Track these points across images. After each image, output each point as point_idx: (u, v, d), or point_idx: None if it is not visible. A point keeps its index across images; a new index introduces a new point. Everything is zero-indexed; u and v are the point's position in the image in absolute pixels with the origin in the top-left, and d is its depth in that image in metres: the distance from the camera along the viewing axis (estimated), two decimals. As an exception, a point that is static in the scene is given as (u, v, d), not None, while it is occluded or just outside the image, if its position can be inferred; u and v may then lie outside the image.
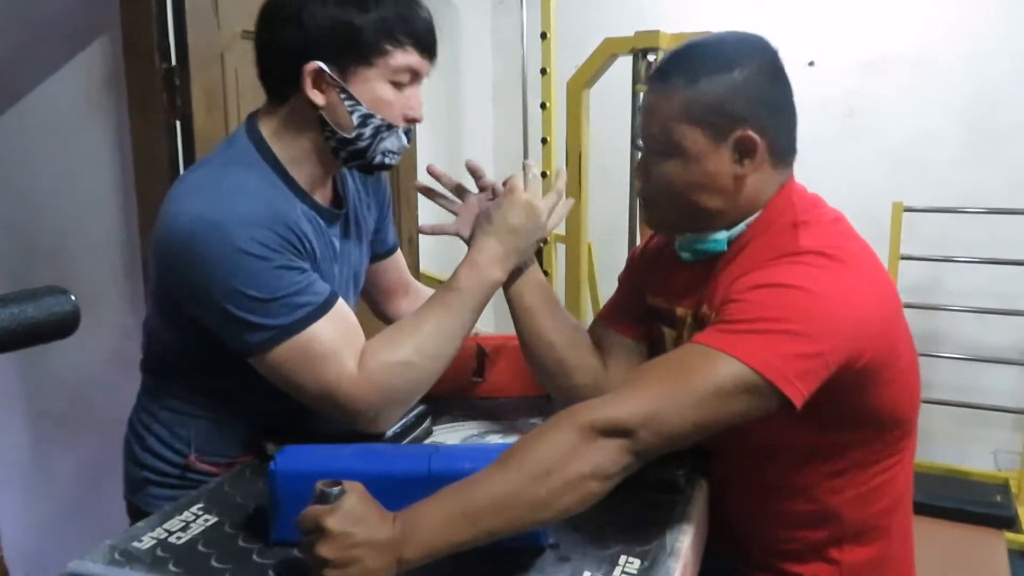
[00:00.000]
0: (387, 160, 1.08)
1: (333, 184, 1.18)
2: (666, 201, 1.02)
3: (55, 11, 1.89)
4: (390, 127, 1.05)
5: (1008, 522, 2.54)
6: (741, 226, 1.00)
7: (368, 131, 1.04)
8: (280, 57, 1.02)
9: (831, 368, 0.85)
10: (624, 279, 1.24)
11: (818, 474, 0.99)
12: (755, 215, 1.00)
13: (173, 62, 1.69)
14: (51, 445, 2.16)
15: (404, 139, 1.08)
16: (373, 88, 1.02)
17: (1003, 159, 2.98)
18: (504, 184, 1.13)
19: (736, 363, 0.82)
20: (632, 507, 0.94)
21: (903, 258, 2.83)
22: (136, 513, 1.17)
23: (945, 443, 2.95)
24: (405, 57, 1.03)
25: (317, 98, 1.01)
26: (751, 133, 0.95)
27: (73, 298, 0.72)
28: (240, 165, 1.03)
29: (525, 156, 3.34)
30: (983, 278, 2.94)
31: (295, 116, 1.05)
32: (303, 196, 1.07)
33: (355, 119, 1.02)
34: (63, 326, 0.72)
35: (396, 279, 1.42)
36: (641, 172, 1.04)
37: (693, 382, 0.83)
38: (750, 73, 0.96)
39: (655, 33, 2.53)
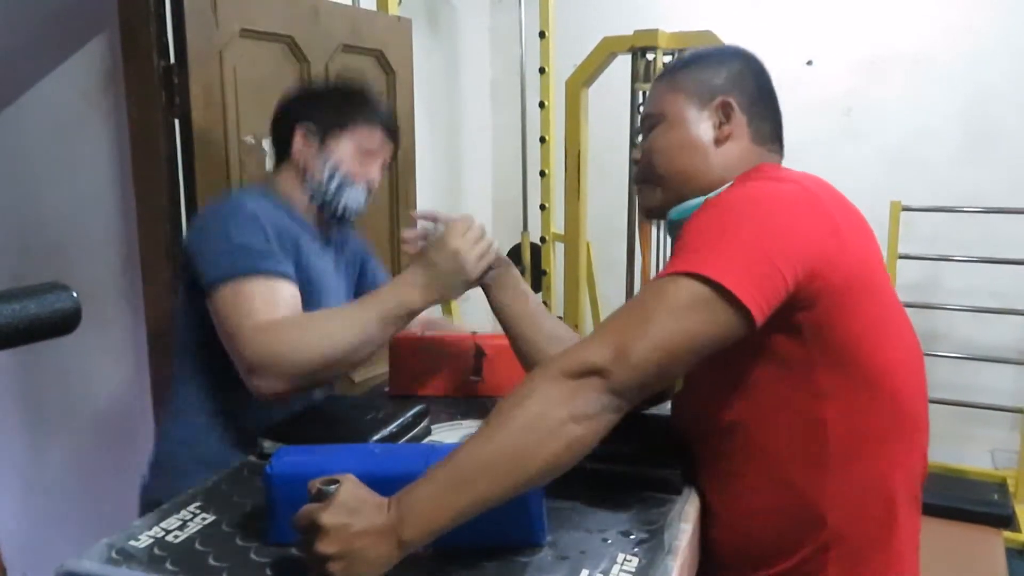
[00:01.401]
0: (347, 214, 1.33)
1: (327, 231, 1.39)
2: (653, 169, 1.06)
3: (54, 9, 1.89)
4: (352, 183, 1.30)
5: (1006, 521, 2.54)
6: (716, 192, 1.00)
7: (335, 182, 1.30)
8: (284, 126, 1.33)
9: (786, 277, 0.83)
10: None
11: (803, 459, 0.92)
12: (730, 183, 1.01)
13: (171, 60, 1.69)
14: (49, 442, 2.15)
15: (364, 197, 1.33)
16: (344, 148, 1.30)
17: (1001, 158, 2.99)
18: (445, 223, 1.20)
19: (684, 278, 0.83)
20: (630, 506, 0.94)
21: (901, 257, 2.83)
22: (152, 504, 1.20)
23: (942, 442, 2.95)
24: (371, 132, 1.32)
25: (299, 149, 1.30)
26: (731, 100, 1.02)
27: (75, 295, 0.72)
28: (249, 195, 1.28)
29: (523, 155, 3.34)
30: (981, 277, 2.95)
31: (289, 169, 1.33)
32: (299, 222, 1.30)
33: (326, 170, 1.29)
34: (65, 322, 0.72)
35: None
36: (637, 153, 1.10)
37: (650, 307, 0.83)
38: (737, 66, 1.06)
39: (654, 32, 2.53)
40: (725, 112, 1.03)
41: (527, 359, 1.17)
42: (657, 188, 1.07)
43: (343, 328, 1.12)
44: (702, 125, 1.03)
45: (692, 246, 0.86)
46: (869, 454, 0.93)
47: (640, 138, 1.12)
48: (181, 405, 1.28)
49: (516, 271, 1.23)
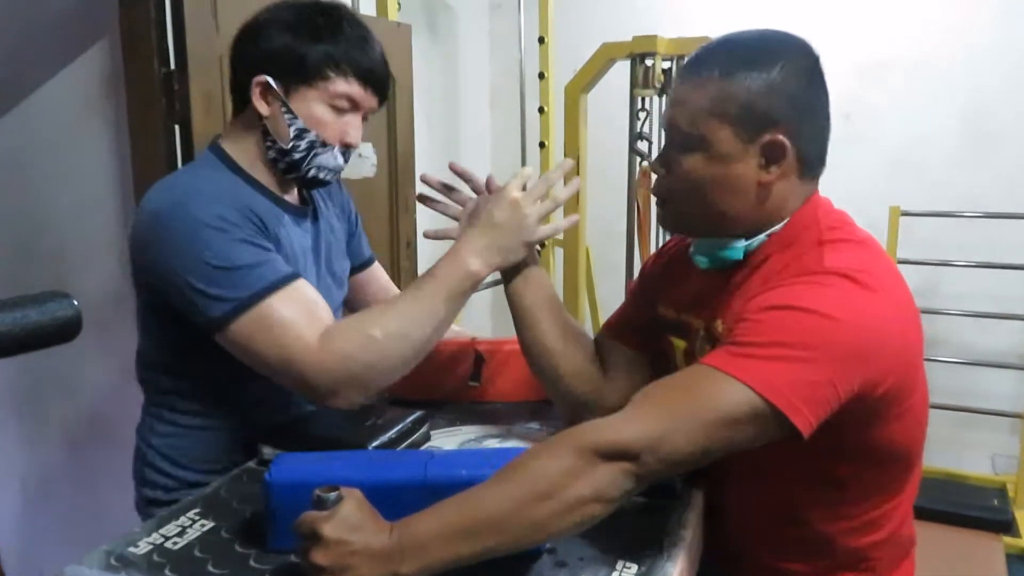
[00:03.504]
0: (321, 175, 1.14)
1: (298, 190, 1.23)
2: (685, 198, 0.96)
3: (55, 15, 1.89)
4: (324, 145, 1.11)
5: (1005, 526, 2.54)
6: (761, 237, 0.94)
7: (303, 144, 1.11)
8: (240, 71, 1.13)
9: (842, 398, 0.82)
10: (634, 290, 1.20)
11: (816, 502, 0.97)
12: (777, 227, 0.94)
13: (172, 66, 1.69)
14: (49, 448, 2.15)
15: (340, 159, 1.14)
16: (311, 107, 1.10)
17: (1000, 163, 2.99)
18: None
19: (745, 389, 0.79)
20: (629, 513, 0.93)
21: (900, 262, 2.83)
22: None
23: (942, 447, 2.95)
24: (346, 86, 1.10)
25: (262, 108, 1.10)
26: (782, 138, 0.89)
27: (75, 303, 0.72)
28: (199, 167, 1.15)
29: (523, 160, 3.35)
30: (980, 282, 2.95)
31: (247, 125, 1.14)
32: (266, 193, 1.14)
33: (292, 132, 1.10)
34: (65, 330, 0.72)
35: (378, 291, 1.43)
36: (660, 165, 0.98)
37: (700, 407, 0.80)
38: (789, 72, 0.90)
39: (653, 38, 2.53)
40: (774, 152, 0.90)
41: (535, 356, 1.13)
42: (685, 217, 0.98)
43: (414, 323, 1.03)
44: (746, 165, 0.91)
45: (761, 351, 0.82)
46: (881, 500, 0.98)
47: (662, 142, 1.00)
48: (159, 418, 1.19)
49: (539, 265, 1.16)
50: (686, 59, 1.08)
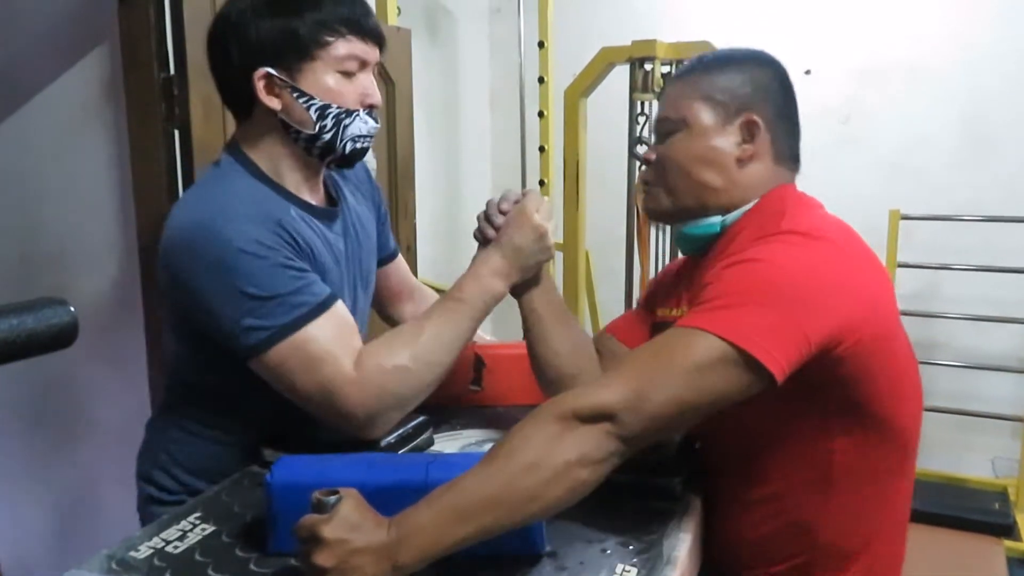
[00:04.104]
0: (359, 145, 1.10)
1: (325, 187, 1.21)
2: (667, 177, 1.04)
3: (54, 20, 1.90)
4: (349, 113, 1.07)
5: (1006, 530, 2.54)
6: (736, 213, 1.01)
7: (329, 122, 1.06)
8: (232, 75, 1.07)
9: (811, 342, 0.84)
10: (640, 301, 1.26)
11: (804, 481, 0.96)
12: (750, 204, 1.01)
13: (171, 71, 1.69)
14: (48, 453, 2.15)
15: (371, 122, 1.10)
16: (322, 80, 1.05)
17: (999, 166, 2.99)
18: (515, 202, 1.13)
19: (711, 337, 0.82)
20: (629, 516, 0.94)
21: (900, 266, 2.83)
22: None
23: (943, 451, 2.95)
24: (347, 46, 1.05)
25: (273, 103, 1.05)
26: (756, 118, 1.00)
27: (72, 309, 0.72)
28: (228, 178, 1.08)
29: (523, 164, 3.35)
30: (980, 285, 2.95)
31: (261, 126, 1.09)
32: (293, 199, 1.10)
33: (313, 114, 1.05)
34: (62, 337, 0.72)
35: (399, 283, 1.44)
36: (649, 153, 1.08)
37: (671, 359, 0.83)
38: (765, 73, 1.04)
39: (652, 42, 2.54)
40: (750, 130, 1.01)
41: (543, 366, 1.14)
42: (669, 196, 1.05)
43: (444, 348, 1.04)
44: (725, 140, 1.01)
45: (723, 302, 0.86)
46: (870, 486, 0.97)
47: (654, 140, 1.09)
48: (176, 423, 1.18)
49: (549, 275, 1.19)
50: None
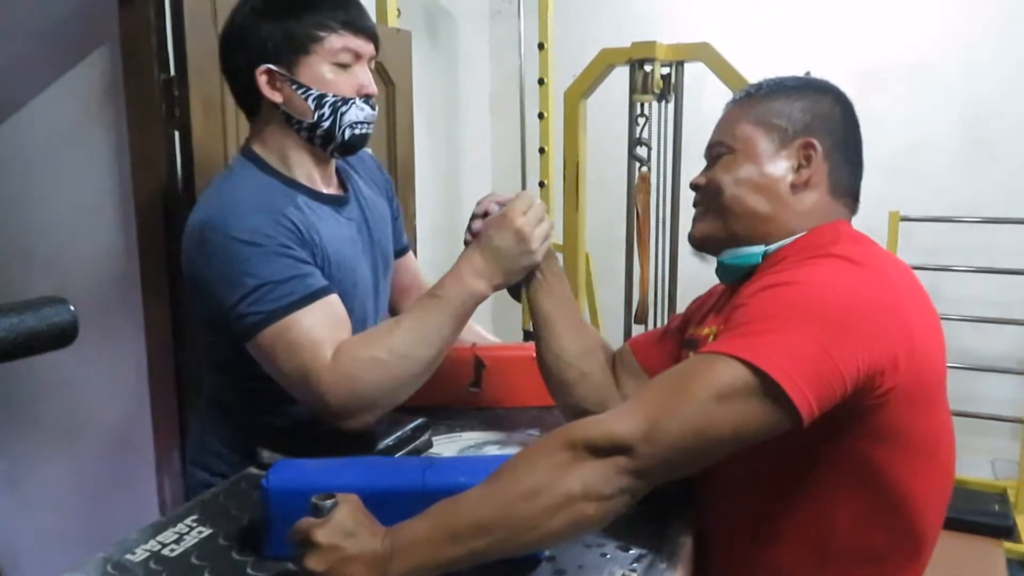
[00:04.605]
0: (357, 131, 1.17)
1: (339, 177, 1.27)
2: (717, 203, 0.97)
3: (54, 21, 1.90)
4: (346, 101, 1.14)
5: (1006, 531, 2.53)
6: (783, 242, 0.94)
7: (327, 110, 1.13)
8: (238, 74, 1.16)
9: (844, 376, 0.76)
10: (670, 323, 1.19)
11: (800, 548, 0.89)
12: (799, 234, 0.94)
13: (172, 72, 1.69)
14: (47, 455, 2.15)
15: (367, 108, 1.17)
16: (318, 72, 1.13)
17: (999, 168, 2.99)
18: (501, 204, 1.12)
19: (735, 362, 0.75)
20: (628, 519, 0.93)
21: (900, 267, 2.83)
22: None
23: (943, 452, 2.95)
24: (340, 40, 1.13)
25: (275, 96, 1.14)
26: (815, 142, 0.95)
27: (72, 308, 0.72)
28: (236, 176, 1.16)
29: (523, 166, 3.35)
30: (980, 287, 2.94)
31: (268, 121, 1.17)
32: (303, 189, 1.17)
33: (311, 103, 1.13)
34: (62, 336, 0.72)
35: (410, 279, 1.46)
36: (700, 176, 1.02)
37: (691, 387, 0.76)
38: (827, 103, 0.98)
39: (651, 44, 2.54)
40: (807, 155, 0.95)
41: (549, 368, 1.11)
42: (717, 221, 0.98)
43: (421, 343, 1.05)
44: (780, 165, 0.95)
45: (752, 328, 0.79)
46: (870, 565, 0.90)
47: (706, 164, 1.03)
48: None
49: (559, 266, 1.15)
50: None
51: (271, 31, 1.11)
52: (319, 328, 1.03)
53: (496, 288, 1.11)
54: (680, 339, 1.12)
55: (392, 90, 2.28)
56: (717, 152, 1.00)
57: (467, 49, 3.54)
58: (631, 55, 2.57)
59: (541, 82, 3.17)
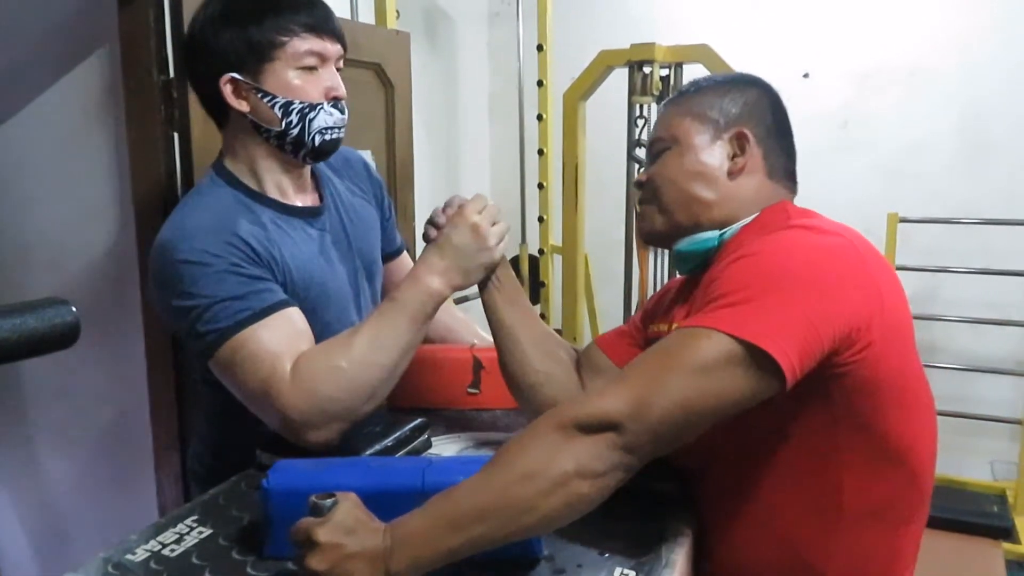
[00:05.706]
0: (327, 137, 1.14)
1: (316, 185, 1.25)
2: (660, 195, 1.02)
3: (53, 23, 1.90)
4: (313, 107, 1.12)
5: (1005, 532, 2.53)
6: (735, 227, 0.98)
7: (294, 117, 1.11)
8: (203, 84, 1.14)
9: (822, 335, 0.79)
10: (634, 317, 1.21)
11: (809, 507, 0.90)
12: (748, 218, 0.99)
13: (171, 74, 1.69)
14: (47, 456, 2.15)
15: (336, 113, 1.14)
16: (283, 78, 1.10)
17: (997, 170, 3.00)
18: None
19: (716, 334, 0.78)
20: (627, 518, 0.93)
21: (898, 269, 2.83)
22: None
23: (941, 453, 2.90)
24: (304, 43, 1.10)
25: (241, 106, 1.12)
26: (746, 131, 1.00)
27: (74, 309, 0.73)
28: (202, 193, 1.14)
29: (522, 168, 3.36)
30: (978, 288, 2.95)
31: (236, 131, 1.15)
32: (272, 204, 1.15)
33: (278, 111, 1.11)
34: (63, 337, 0.72)
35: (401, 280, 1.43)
36: (641, 175, 1.07)
37: (675, 362, 0.78)
38: (756, 94, 1.03)
39: (650, 45, 2.54)
40: (740, 143, 1.00)
41: (513, 373, 1.12)
42: (662, 214, 1.03)
43: (380, 349, 1.03)
44: (716, 154, 1.00)
45: (728, 299, 0.81)
46: (880, 522, 0.91)
47: (646, 162, 1.08)
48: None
49: (512, 272, 1.17)
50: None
51: (232, 39, 1.09)
52: (277, 341, 1.01)
53: (455, 288, 1.09)
54: (644, 335, 1.14)
55: (391, 92, 2.29)
56: (658, 148, 1.05)
57: (466, 51, 3.55)
58: (630, 57, 2.58)
59: (540, 84, 3.18)
